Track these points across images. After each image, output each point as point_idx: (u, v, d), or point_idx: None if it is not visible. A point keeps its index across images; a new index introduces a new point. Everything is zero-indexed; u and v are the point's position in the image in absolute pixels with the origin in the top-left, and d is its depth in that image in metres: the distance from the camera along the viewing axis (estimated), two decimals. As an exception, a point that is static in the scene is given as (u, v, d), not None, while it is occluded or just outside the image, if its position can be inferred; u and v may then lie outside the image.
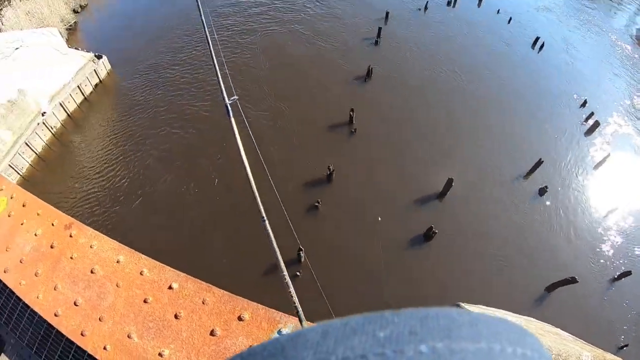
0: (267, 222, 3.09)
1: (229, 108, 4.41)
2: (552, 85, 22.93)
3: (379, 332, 0.36)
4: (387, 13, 25.35)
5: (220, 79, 4.68)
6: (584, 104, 21.63)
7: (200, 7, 5.26)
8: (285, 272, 2.72)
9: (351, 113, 17.82)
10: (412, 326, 0.36)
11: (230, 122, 4.32)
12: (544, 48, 25.23)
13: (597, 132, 20.25)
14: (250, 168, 4.29)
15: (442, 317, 0.37)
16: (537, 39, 25.52)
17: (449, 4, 28.07)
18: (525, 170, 17.45)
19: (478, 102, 20.46)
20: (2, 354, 5.32)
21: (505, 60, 23.84)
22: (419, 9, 27.05)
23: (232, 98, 4.59)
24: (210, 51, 5.02)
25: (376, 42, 23.33)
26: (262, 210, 3.14)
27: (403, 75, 21.34)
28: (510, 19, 27.19)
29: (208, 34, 5.07)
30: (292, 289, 2.85)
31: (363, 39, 23.67)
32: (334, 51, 22.61)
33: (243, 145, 4.23)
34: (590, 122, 20.50)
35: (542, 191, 16.67)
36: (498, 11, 27.99)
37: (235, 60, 21.81)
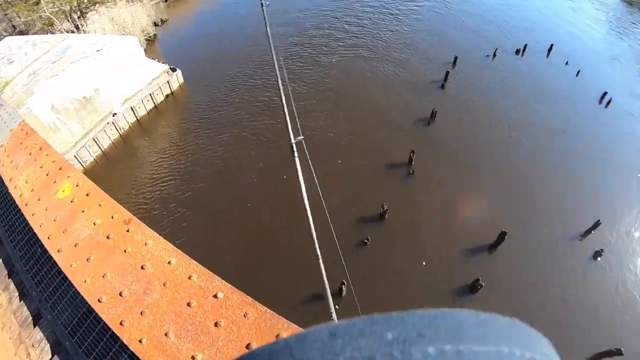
0: (321, 260, 3.05)
1: (294, 147, 4.47)
2: (617, 142, 21.88)
3: (386, 333, 0.35)
4: (456, 58, 25.55)
5: (288, 118, 4.73)
6: (653, 166, 20.40)
7: (273, 50, 5.38)
8: (332, 307, 2.65)
9: (411, 154, 17.88)
10: (420, 328, 0.35)
11: (295, 161, 4.36)
12: (611, 103, 24.20)
13: (664, 199, 18.96)
14: (309, 200, 4.33)
15: (450, 318, 0.37)
16: (605, 93, 24.57)
17: (517, 52, 27.82)
18: (581, 231, 16.67)
19: (541, 156, 19.93)
20: (37, 327, 5.52)
21: (571, 115, 23.10)
22: (488, 56, 27.03)
23: (298, 138, 4.62)
24: (280, 90, 5.12)
25: (442, 86, 23.50)
26: (318, 249, 3.11)
27: (466, 122, 21.24)
28: (579, 71, 26.36)
29: (279, 73, 5.20)
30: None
31: (431, 81, 23.92)
32: (401, 90, 22.91)
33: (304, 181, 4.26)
34: (658, 187, 19.26)
35: (597, 255, 15.84)
36: (567, 63, 27.32)
37: (306, 81, 22.64)
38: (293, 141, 4.38)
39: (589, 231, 16.57)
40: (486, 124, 21.43)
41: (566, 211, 17.48)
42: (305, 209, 3.83)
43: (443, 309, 0.37)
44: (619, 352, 13.14)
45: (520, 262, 15.48)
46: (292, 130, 4.54)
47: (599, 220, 16.38)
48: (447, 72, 23.46)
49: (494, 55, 26.95)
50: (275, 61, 5.18)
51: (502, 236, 15.27)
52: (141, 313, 4.53)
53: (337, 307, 13.05)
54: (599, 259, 15.88)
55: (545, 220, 16.99)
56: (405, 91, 22.99)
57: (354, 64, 25.13)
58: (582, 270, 15.64)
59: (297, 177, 4.05)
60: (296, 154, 4.36)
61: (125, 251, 5.05)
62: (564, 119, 22.76)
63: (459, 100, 22.75)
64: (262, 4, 5.88)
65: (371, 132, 19.92)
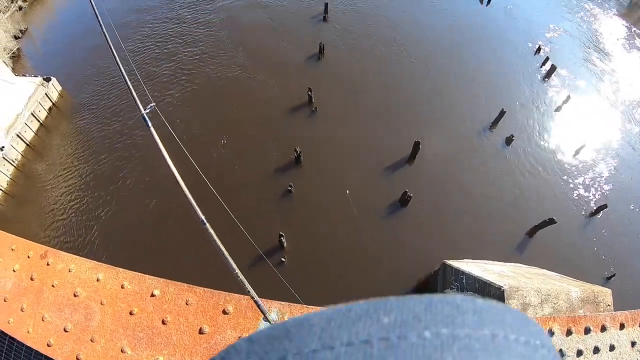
0: (208, 224, 2.81)
1: (146, 118, 3.90)
2: (505, 36, 23.33)
3: (383, 317, 0.36)
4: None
5: (131, 86, 4.10)
6: (538, 50, 22.12)
7: (94, 5, 4.61)
8: (238, 271, 2.61)
9: (309, 92, 17.77)
10: (417, 312, 0.36)
11: (151, 132, 3.82)
12: (492, 1, 25.43)
13: (554, 76, 20.76)
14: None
15: (446, 304, 0.38)
16: (484, -8, 25.70)
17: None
18: (489, 123, 17.78)
19: (436, 64, 20.66)
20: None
21: (456, 19, 24.00)
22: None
23: (150, 105, 4.08)
24: (114, 55, 4.42)
25: (324, 18, 23.10)
26: (200, 212, 2.87)
27: (355, 47, 21.27)
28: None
29: (106, 33, 4.48)
30: (247, 284, 2.73)
31: (311, 17, 23.40)
32: (283, 33, 22.22)
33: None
34: (547, 67, 21.00)
35: (509, 140, 17.11)
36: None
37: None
38: (144, 112, 3.80)
39: (496, 121, 17.75)
40: (376, 44, 21.63)
41: (472, 108, 18.48)
42: (175, 176, 3.42)
43: (439, 295, 0.39)
44: (552, 222, 14.50)
45: (440, 164, 16.23)
46: (142, 99, 3.91)
47: (502, 109, 17.54)
48: (326, 4, 22.80)
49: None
50: (105, 33, 4.44)
51: (416, 146, 15.64)
52: (91, 340, 4.45)
53: (283, 259, 13.34)
54: (512, 143, 17.16)
55: (454, 121, 17.87)
56: (290, 31, 22.45)
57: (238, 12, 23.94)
58: (500, 157, 16.89)
59: (159, 151, 3.53)
60: (151, 125, 3.72)
61: (52, 285, 4.84)
62: (451, 23, 23.47)
63: (344, 28, 22.58)
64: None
65: (265, 81, 19.51)
